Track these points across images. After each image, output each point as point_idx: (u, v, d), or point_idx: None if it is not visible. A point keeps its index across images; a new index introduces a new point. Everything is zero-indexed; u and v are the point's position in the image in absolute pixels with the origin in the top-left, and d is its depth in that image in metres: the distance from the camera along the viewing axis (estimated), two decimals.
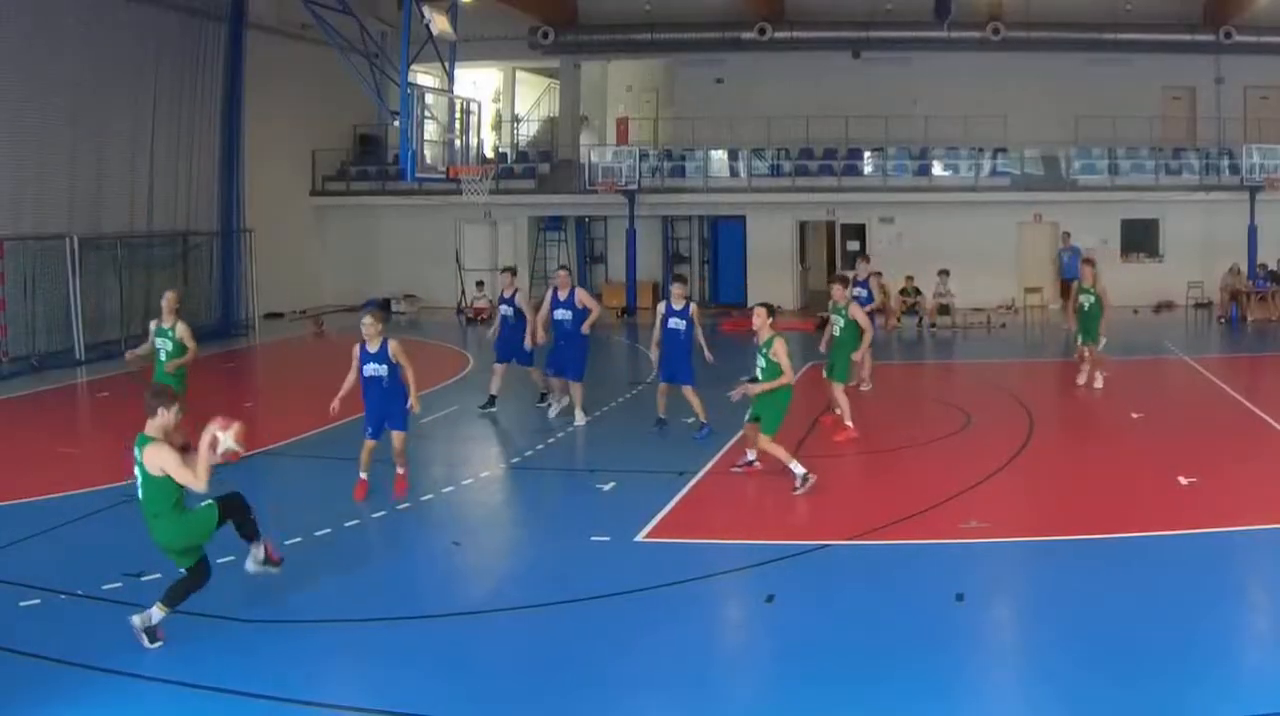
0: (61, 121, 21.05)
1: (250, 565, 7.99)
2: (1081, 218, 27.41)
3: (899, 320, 24.87)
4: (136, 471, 7.24)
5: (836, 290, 13.78)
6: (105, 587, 8.30)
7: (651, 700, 6.78)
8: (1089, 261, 16.98)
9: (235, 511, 7.65)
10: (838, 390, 13.50)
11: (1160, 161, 28.11)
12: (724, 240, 31.11)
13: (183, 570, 7.44)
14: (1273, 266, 26.03)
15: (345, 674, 7.15)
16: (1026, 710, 6.55)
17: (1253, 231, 26.19)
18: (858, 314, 13.53)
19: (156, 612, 7.27)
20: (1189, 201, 27.70)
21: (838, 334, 13.51)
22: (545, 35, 29.93)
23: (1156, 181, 27.92)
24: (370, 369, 10.72)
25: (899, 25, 28.52)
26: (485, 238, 31.17)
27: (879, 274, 25.93)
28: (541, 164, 31.06)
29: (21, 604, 8.01)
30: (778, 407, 11.11)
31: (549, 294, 14.69)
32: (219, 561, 8.89)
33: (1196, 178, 27.87)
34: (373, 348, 10.73)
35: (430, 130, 18.39)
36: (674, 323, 13.44)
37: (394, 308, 29.42)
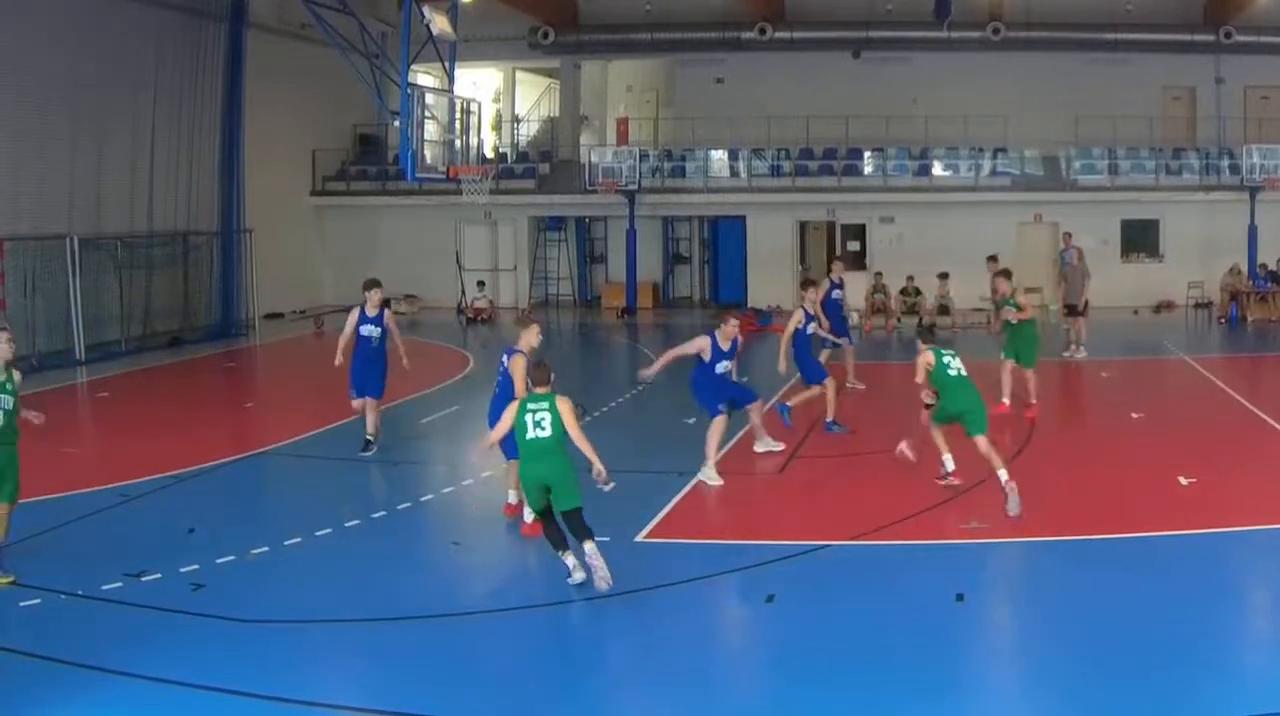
0: (62, 121, 21.04)
1: (589, 569, 8.29)
2: (1081, 218, 27.33)
3: (899, 320, 24.84)
4: (542, 418, 8.36)
5: (1001, 283, 14.65)
6: (105, 587, 8.31)
7: (652, 700, 6.78)
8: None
9: (579, 519, 8.41)
10: (1031, 377, 14.49)
11: (1160, 161, 28.09)
12: (724, 240, 31.09)
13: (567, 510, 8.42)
14: (1273, 266, 25.99)
15: (345, 674, 7.14)
16: (1026, 710, 6.55)
17: (1253, 231, 26.17)
18: (1025, 300, 14.59)
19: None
20: (1189, 201, 27.67)
21: (1014, 323, 14.32)
22: (545, 35, 29.93)
23: (1156, 182, 27.90)
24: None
25: (899, 25, 28.50)
26: (485, 238, 31.15)
27: (879, 274, 26.10)
28: (541, 164, 31.04)
29: (21, 604, 8.01)
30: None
31: (709, 342, 11.33)
32: (217, 561, 8.93)
33: (1196, 178, 27.83)
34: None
35: (430, 130, 18.38)
36: (812, 327, 13.47)
37: (393, 307, 29.39)
